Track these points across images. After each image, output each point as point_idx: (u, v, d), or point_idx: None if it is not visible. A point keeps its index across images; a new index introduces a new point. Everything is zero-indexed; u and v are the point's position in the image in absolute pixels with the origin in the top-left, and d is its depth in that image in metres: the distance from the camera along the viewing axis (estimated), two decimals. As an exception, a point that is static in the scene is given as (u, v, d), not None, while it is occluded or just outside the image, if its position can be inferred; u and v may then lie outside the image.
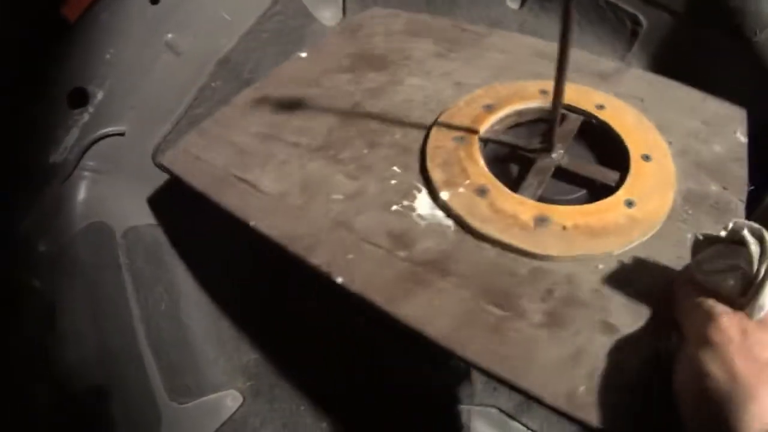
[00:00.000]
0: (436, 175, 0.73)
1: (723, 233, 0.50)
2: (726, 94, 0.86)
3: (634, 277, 0.60)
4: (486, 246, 0.65)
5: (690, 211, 0.68)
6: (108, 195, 0.92)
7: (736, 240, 0.49)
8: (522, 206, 0.68)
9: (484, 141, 0.80)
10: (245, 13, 1.15)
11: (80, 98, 0.90)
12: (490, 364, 0.55)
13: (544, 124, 0.74)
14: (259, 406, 0.93)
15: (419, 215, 0.70)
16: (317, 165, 0.79)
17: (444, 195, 0.70)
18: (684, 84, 0.89)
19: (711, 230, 0.53)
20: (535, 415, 0.94)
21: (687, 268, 0.55)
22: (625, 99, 0.84)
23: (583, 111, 0.82)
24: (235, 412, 0.91)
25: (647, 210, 0.67)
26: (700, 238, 0.53)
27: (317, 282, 0.66)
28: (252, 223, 0.72)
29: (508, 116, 0.83)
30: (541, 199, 0.70)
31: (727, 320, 0.46)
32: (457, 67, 0.96)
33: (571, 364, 0.54)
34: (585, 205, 0.68)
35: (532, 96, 0.84)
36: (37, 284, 0.83)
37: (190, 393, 0.89)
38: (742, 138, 0.79)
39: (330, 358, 0.99)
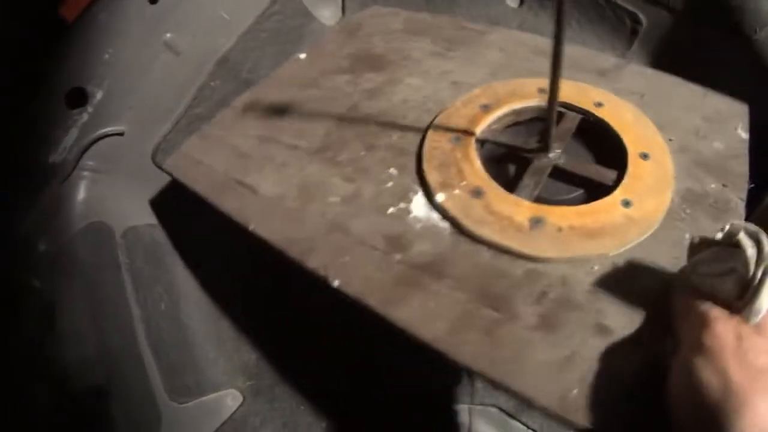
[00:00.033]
0: (432, 176, 0.73)
1: (719, 235, 0.49)
2: (726, 92, 0.85)
3: (629, 279, 0.60)
4: (481, 248, 0.65)
5: (688, 211, 0.68)
6: (107, 195, 0.92)
7: (732, 243, 0.48)
8: (517, 207, 0.67)
9: (481, 141, 0.79)
10: (244, 12, 1.16)
11: (79, 98, 0.90)
12: (483, 367, 0.55)
13: (542, 122, 0.73)
14: (259, 405, 0.93)
15: (415, 217, 0.70)
16: (315, 168, 0.79)
17: (439, 197, 0.70)
18: (684, 79, 0.88)
19: (709, 229, 0.53)
20: (535, 415, 0.93)
21: (683, 270, 0.55)
22: (624, 96, 0.83)
23: (581, 109, 0.81)
24: (235, 412, 0.91)
25: (644, 210, 0.66)
26: (696, 240, 0.53)
27: (317, 282, 0.66)
28: (251, 227, 0.73)
29: (505, 115, 0.83)
30: (539, 200, 0.70)
31: (722, 325, 0.45)
32: (455, 66, 0.95)
33: (564, 366, 0.54)
34: (581, 206, 0.67)
35: (530, 94, 0.83)
36: (37, 284, 0.83)
37: (190, 393, 0.89)
38: (743, 134, 0.78)
39: (330, 358, 0.99)
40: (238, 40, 1.13)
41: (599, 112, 0.80)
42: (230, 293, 1.01)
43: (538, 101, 0.82)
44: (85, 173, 0.91)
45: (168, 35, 1.02)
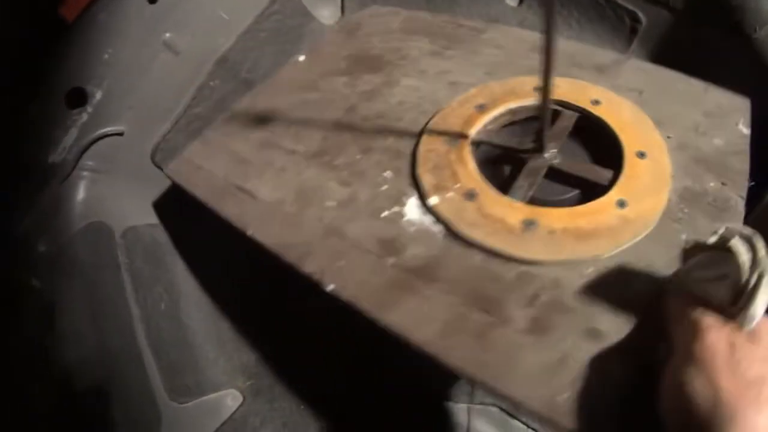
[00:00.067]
0: (426, 179, 0.73)
1: (712, 239, 0.48)
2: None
3: (623, 282, 0.59)
4: (473, 251, 0.65)
5: (686, 210, 0.66)
6: (107, 195, 0.93)
7: (726, 247, 0.46)
8: (510, 209, 0.67)
9: (477, 143, 0.79)
10: (243, 12, 1.15)
11: (79, 98, 0.91)
12: (473, 371, 0.55)
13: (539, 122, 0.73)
14: (259, 405, 0.93)
15: (409, 221, 0.70)
16: (313, 172, 0.80)
17: (433, 200, 0.70)
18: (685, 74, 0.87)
19: (708, 229, 0.52)
20: (535, 414, 0.93)
21: (676, 274, 0.54)
22: (623, 92, 0.82)
23: (578, 107, 0.80)
24: (235, 412, 0.91)
25: (640, 210, 0.65)
26: (689, 244, 0.52)
27: (314, 286, 0.67)
28: (249, 233, 0.73)
29: (501, 115, 0.82)
30: (534, 201, 0.69)
31: (715, 334, 0.45)
32: (452, 65, 0.95)
33: (555, 370, 0.53)
34: (575, 207, 0.67)
35: (526, 93, 0.82)
36: (37, 284, 0.84)
37: (190, 393, 0.89)
38: (745, 129, 0.76)
39: (330, 358, 0.99)
40: (237, 39, 1.13)
41: (596, 110, 0.78)
42: (230, 293, 1.01)
43: (534, 100, 0.80)
44: (85, 173, 0.91)
45: (167, 35, 1.02)
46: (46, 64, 0.91)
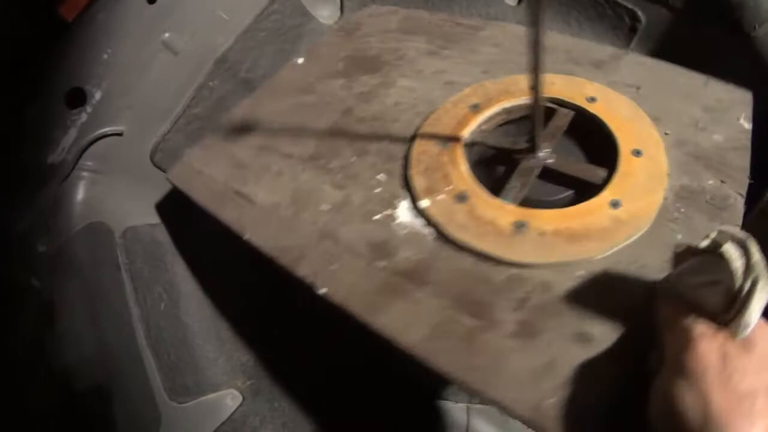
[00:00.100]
0: (418, 182, 0.73)
1: (704, 243, 0.46)
2: (725, 90, 0.82)
3: (614, 285, 0.58)
4: (463, 254, 0.64)
5: (682, 209, 0.65)
6: (106, 195, 0.93)
7: (717, 253, 0.44)
8: (501, 211, 0.66)
9: (470, 144, 0.78)
10: (242, 11, 1.15)
11: (78, 98, 0.91)
12: (460, 374, 0.55)
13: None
14: (259, 405, 0.94)
15: (400, 224, 0.70)
16: (308, 176, 0.80)
17: (424, 203, 0.70)
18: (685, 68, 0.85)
19: (705, 229, 0.50)
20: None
21: (667, 279, 0.52)
22: (620, 88, 0.80)
23: (573, 105, 0.78)
24: (234, 412, 0.91)
25: (633, 210, 0.64)
26: (680, 248, 0.50)
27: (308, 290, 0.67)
28: (246, 236, 0.74)
29: (496, 115, 0.81)
30: (527, 202, 0.69)
31: (706, 344, 0.43)
32: (449, 65, 0.94)
33: (542, 375, 0.53)
34: (567, 208, 0.66)
35: (522, 92, 0.80)
36: (36, 284, 0.84)
37: (190, 392, 0.89)
38: (746, 124, 0.74)
39: (330, 358, 0.99)
40: (236, 39, 1.13)
41: (592, 108, 0.77)
42: (230, 293, 1.01)
43: (529, 99, 0.80)
44: (84, 173, 0.92)
45: (166, 35, 1.02)
46: (46, 63, 0.92)
